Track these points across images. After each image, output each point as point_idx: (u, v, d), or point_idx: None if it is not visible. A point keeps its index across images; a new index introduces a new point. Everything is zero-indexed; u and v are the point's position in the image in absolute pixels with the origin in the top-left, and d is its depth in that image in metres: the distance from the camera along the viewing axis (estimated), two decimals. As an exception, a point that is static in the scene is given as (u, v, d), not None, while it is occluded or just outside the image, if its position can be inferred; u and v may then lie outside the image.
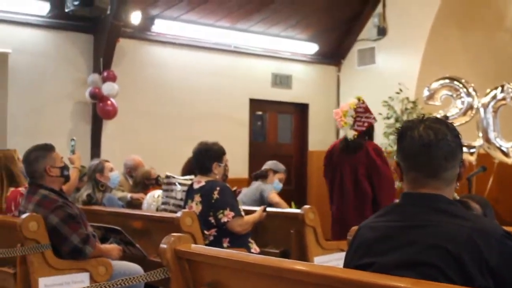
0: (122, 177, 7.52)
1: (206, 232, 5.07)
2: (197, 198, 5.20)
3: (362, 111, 7.00)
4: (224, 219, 5.07)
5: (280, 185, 6.92)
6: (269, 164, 6.97)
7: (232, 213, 5.08)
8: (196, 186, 5.28)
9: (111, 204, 6.44)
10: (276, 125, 11.57)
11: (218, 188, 5.14)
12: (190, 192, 5.36)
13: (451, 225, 2.15)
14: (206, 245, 4.81)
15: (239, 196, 6.56)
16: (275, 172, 6.87)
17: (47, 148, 4.70)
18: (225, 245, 5.07)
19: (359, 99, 7.18)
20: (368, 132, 7.02)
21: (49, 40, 8.94)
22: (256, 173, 6.96)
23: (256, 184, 6.84)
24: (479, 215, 2.68)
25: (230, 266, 2.62)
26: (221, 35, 10.31)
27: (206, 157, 5.30)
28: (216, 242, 5.04)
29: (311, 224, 5.32)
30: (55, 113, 8.93)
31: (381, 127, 10.03)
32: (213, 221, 5.10)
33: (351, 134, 7.03)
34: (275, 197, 6.65)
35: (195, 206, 5.18)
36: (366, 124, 6.92)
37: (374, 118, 7.00)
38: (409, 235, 2.19)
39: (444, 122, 2.36)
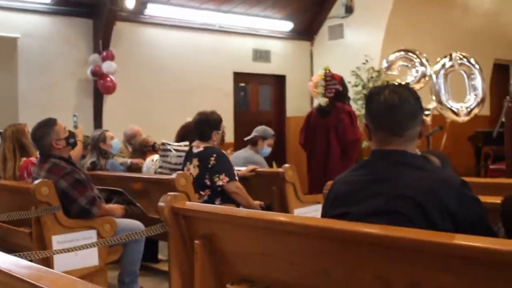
0: (122, 145, 7.48)
1: (201, 192, 5.06)
2: (195, 162, 5.15)
3: (329, 80, 7.07)
4: (219, 183, 5.03)
5: (269, 150, 6.56)
6: (258, 131, 6.57)
7: (227, 178, 5.03)
8: (195, 150, 5.21)
9: (113, 169, 6.41)
10: (257, 95, 11.52)
11: (214, 155, 5.09)
12: (189, 155, 5.29)
13: (415, 177, 2.16)
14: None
15: (230, 157, 6.42)
16: (264, 138, 6.51)
17: (50, 124, 4.58)
18: (217, 203, 5.03)
19: (326, 70, 7.22)
20: (342, 95, 7.04)
21: (53, 25, 8.82)
22: (247, 139, 6.61)
23: (247, 153, 6.51)
24: (439, 167, 2.68)
25: (221, 220, 2.62)
26: (207, 16, 10.19)
27: (206, 126, 5.21)
28: (209, 201, 5.01)
29: (291, 181, 5.32)
30: (61, 90, 8.86)
31: (350, 94, 10.03)
32: (208, 183, 5.07)
33: (323, 101, 7.10)
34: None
35: (193, 169, 5.13)
36: (333, 90, 7.01)
37: (339, 84, 7.05)
38: (379, 187, 2.19)
39: (406, 87, 2.36)
